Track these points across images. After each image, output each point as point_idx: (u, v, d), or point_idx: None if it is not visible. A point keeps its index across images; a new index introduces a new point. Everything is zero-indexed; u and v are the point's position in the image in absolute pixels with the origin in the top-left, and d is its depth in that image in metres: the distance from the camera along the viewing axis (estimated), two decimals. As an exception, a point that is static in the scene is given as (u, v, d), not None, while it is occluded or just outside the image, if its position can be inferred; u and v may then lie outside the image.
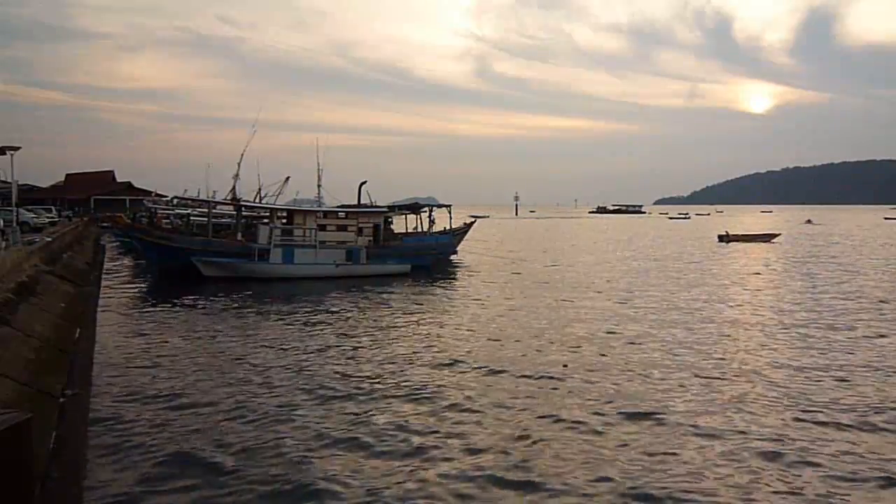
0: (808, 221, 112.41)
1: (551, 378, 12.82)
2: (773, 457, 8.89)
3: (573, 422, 10.30)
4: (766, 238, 58.80)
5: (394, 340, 16.63)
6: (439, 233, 39.27)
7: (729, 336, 17.13)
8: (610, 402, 11.32)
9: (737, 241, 57.40)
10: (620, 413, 10.74)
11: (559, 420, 10.39)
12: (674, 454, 8.98)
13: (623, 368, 13.60)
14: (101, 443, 9.34)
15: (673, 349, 15.38)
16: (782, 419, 10.45)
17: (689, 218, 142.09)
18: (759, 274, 32.85)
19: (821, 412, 10.76)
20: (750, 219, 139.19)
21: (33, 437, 6.80)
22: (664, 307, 21.78)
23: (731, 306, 22.36)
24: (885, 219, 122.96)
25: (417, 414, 10.72)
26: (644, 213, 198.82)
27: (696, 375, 13.06)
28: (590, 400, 11.44)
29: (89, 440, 9.48)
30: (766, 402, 11.34)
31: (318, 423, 10.24)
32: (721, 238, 59.06)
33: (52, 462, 8.29)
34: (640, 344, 16.01)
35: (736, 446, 9.29)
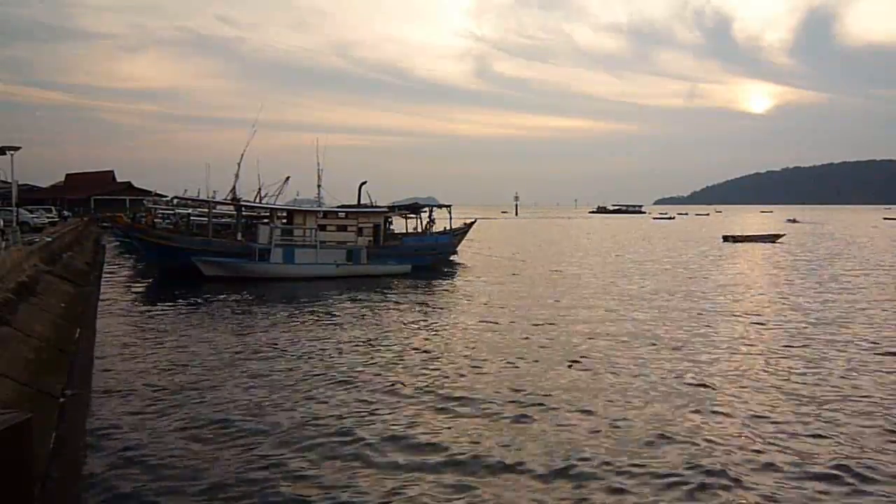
0: (793, 220, 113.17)
1: (555, 378, 12.83)
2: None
3: (581, 422, 10.31)
4: (771, 238, 59.15)
5: (396, 340, 16.62)
6: (439, 233, 39.27)
7: (738, 339, 17.13)
8: (614, 401, 11.34)
9: (742, 241, 57.70)
10: (623, 413, 10.74)
11: (566, 423, 10.38)
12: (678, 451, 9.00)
13: (628, 369, 13.60)
14: (101, 443, 9.34)
15: (682, 351, 15.40)
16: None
17: (673, 218, 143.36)
18: (764, 274, 32.86)
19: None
20: (743, 219, 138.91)
21: (33, 437, 6.79)
22: (669, 308, 21.76)
23: (739, 309, 22.35)
24: (885, 219, 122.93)
25: (420, 413, 10.73)
26: (644, 213, 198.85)
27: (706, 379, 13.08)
28: (596, 400, 11.45)
29: (89, 440, 9.48)
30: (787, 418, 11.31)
31: (319, 425, 10.24)
32: (726, 238, 59.61)
33: (52, 462, 8.29)
34: (645, 345, 16.01)
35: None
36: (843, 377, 12.94)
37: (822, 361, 14.25)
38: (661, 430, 9.91)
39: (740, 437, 9.69)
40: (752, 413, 10.75)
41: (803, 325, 18.62)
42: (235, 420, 10.36)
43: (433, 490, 7.92)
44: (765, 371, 13.45)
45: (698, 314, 20.42)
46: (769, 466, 8.61)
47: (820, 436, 9.71)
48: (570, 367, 13.62)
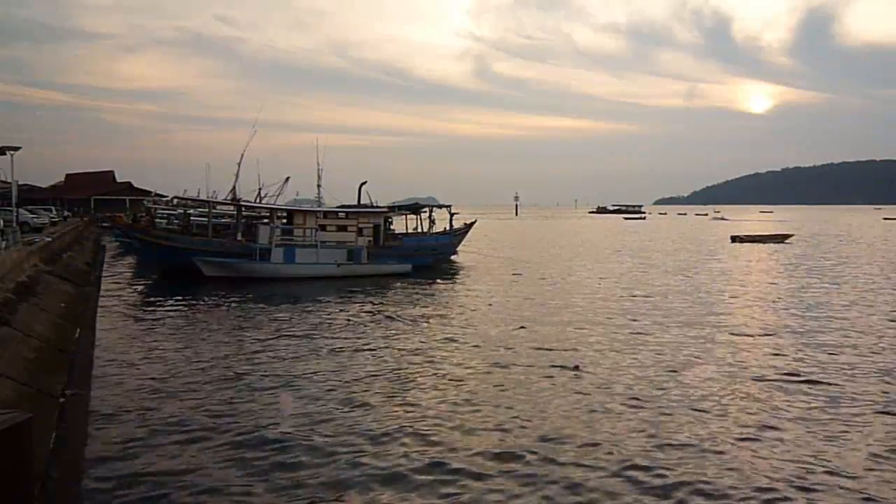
0: (721, 218, 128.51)
1: (561, 379, 12.79)
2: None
3: (590, 425, 10.28)
4: (779, 239, 59.36)
5: (398, 342, 16.59)
6: (439, 233, 39.27)
7: (739, 335, 17.11)
8: (622, 404, 11.32)
9: (749, 241, 57.97)
10: (630, 418, 10.72)
11: (573, 426, 10.34)
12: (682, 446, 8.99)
13: (634, 369, 13.57)
14: (101, 443, 9.33)
15: (686, 349, 15.39)
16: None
17: (644, 218, 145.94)
18: (769, 274, 32.84)
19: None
20: (730, 219, 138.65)
21: (33, 437, 6.78)
22: (673, 307, 21.74)
23: (737, 304, 22.33)
24: (885, 219, 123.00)
25: (422, 416, 10.72)
26: (644, 213, 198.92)
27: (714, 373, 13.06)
28: (603, 401, 11.42)
29: (89, 440, 9.47)
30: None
31: (319, 425, 10.22)
32: (734, 239, 60.03)
33: (52, 462, 8.27)
34: (649, 345, 15.98)
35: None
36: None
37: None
38: (660, 441, 9.89)
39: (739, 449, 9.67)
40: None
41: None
42: (236, 420, 10.34)
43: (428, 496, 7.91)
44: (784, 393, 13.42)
45: (708, 319, 20.34)
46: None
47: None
48: (575, 368, 13.57)
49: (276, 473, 8.34)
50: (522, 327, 18.10)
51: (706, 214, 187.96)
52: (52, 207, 64.35)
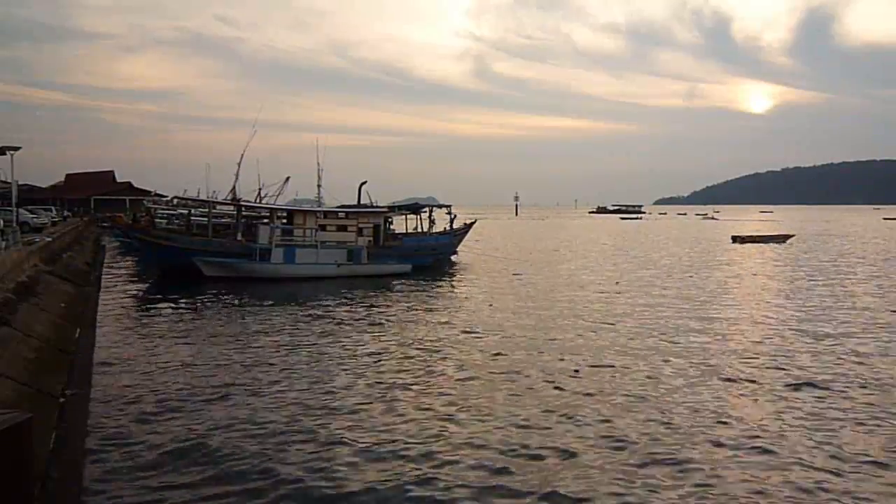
0: (711, 218, 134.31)
1: (562, 382, 12.74)
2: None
3: (590, 424, 10.28)
4: (780, 239, 59.09)
5: (397, 344, 16.59)
6: (439, 233, 39.28)
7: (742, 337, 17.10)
8: (624, 406, 11.30)
9: (750, 241, 57.81)
10: (633, 419, 10.72)
11: (575, 427, 10.32)
12: (685, 458, 8.99)
13: (634, 372, 13.55)
14: (101, 443, 9.32)
15: (685, 351, 15.37)
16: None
17: (641, 218, 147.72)
18: (771, 278, 32.85)
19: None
20: (719, 219, 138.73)
21: (33, 437, 6.77)
22: (674, 309, 21.72)
23: (736, 306, 22.32)
24: (885, 219, 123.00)
25: (420, 416, 10.71)
26: (644, 212, 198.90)
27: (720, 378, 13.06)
28: (605, 404, 11.40)
29: (89, 440, 9.46)
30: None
31: (320, 425, 10.22)
32: (734, 239, 59.79)
33: (52, 462, 8.27)
34: (650, 348, 15.97)
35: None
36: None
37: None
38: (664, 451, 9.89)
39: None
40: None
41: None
42: (234, 419, 10.34)
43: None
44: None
45: (709, 322, 20.24)
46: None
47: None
48: (576, 371, 13.53)
49: (272, 472, 8.34)
50: (522, 329, 18.11)
51: (706, 214, 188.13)
52: (52, 207, 64.33)
